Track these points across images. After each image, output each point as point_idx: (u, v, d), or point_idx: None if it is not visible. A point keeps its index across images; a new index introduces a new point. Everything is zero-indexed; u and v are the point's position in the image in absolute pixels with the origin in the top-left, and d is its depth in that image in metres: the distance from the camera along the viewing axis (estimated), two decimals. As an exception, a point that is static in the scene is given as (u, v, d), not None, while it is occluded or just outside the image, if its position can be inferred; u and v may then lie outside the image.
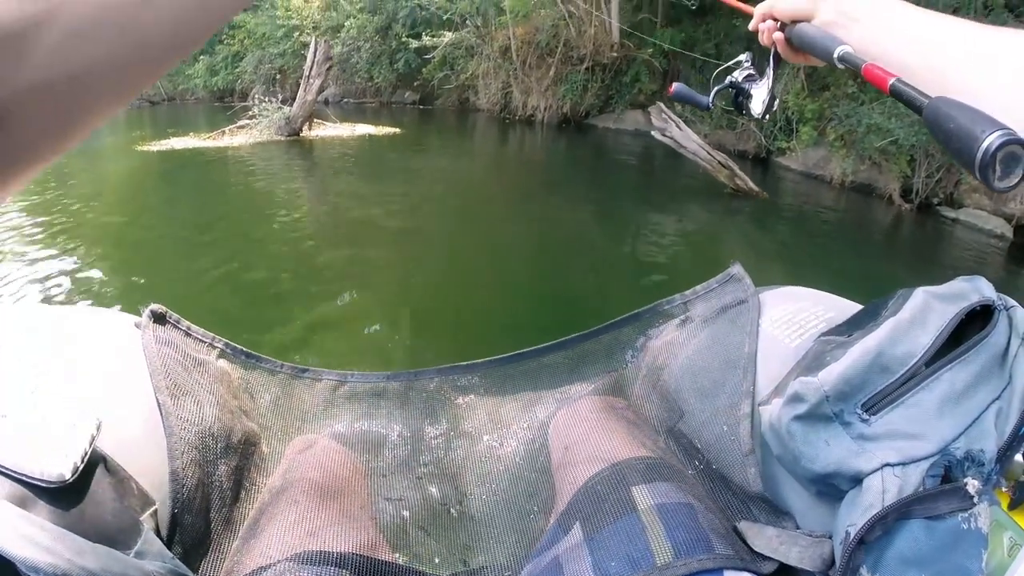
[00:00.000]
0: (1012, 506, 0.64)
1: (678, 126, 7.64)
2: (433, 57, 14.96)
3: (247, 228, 6.57)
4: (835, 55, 0.73)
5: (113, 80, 0.38)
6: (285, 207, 7.33)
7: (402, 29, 16.09)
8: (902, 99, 0.62)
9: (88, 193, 7.82)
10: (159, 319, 0.91)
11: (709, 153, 7.51)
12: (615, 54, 12.19)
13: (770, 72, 0.93)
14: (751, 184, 7.47)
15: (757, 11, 0.90)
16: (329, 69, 11.78)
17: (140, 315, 0.91)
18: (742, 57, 0.98)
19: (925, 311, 0.69)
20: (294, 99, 12.15)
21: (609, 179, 9.10)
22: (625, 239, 6.22)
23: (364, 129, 12.88)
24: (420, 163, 10.16)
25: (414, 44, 14.80)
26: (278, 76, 18.77)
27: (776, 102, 0.95)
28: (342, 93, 18.18)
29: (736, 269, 1.04)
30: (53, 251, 5.61)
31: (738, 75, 0.97)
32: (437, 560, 0.93)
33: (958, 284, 0.72)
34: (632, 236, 6.32)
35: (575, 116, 13.32)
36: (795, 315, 0.90)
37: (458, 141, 13.20)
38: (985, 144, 0.50)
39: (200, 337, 0.98)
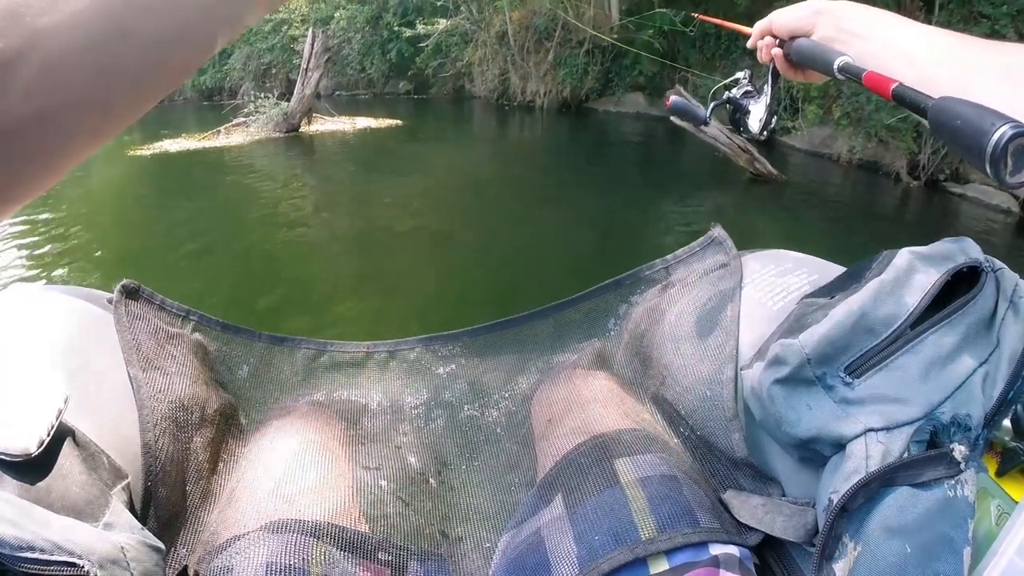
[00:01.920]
0: (1000, 473, 0.62)
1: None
2: (427, 46, 14.85)
3: (251, 234, 6.37)
4: (835, 66, 0.72)
5: (89, 119, 0.36)
6: (291, 209, 7.13)
7: (393, 18, 15.94)
8: (904, 103, 0.60)
9: (79, 202, 7.60)
10: (132, 294, 0.90)
11: (729, 137, 7.43)
12: (615, 36, 12.11)
13: (768, 89, 0.92)
14: (770, 168, 7.40)
15: (756, 28, 0.90)
16: (327, 61, 11.60)
17: (113, 291, 0.90)
18: (739, 74, 0.97)
19: (910, 272, 0.67)
20: (287, 94, 11.97)
21: (622, 165, 9.00)
22: (653, 226, 6.12)
23: (364, 122, 12.71)
24: (426, 155, 10.01)
25: (407, 33, 14.66)
26: (273, 71, 18.67)
27: (775, 119, 0.94)
28: (334, 86, 17.98)
29: (717, 232, 1.02)
30: (43, 263, 5.50)
31: (736, 92, 0.96)
32: (415, 530, 0.91)
33: (944, 245, 0.70)
34: (658, 223, 6.23)
35: (575, 100, 13.24)
36: (778, 278, 0.88)
37: (461, 130, 13.10)
38: (995, 137, 0.48)
39: (174, 310, 0.97)
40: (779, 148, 9.42)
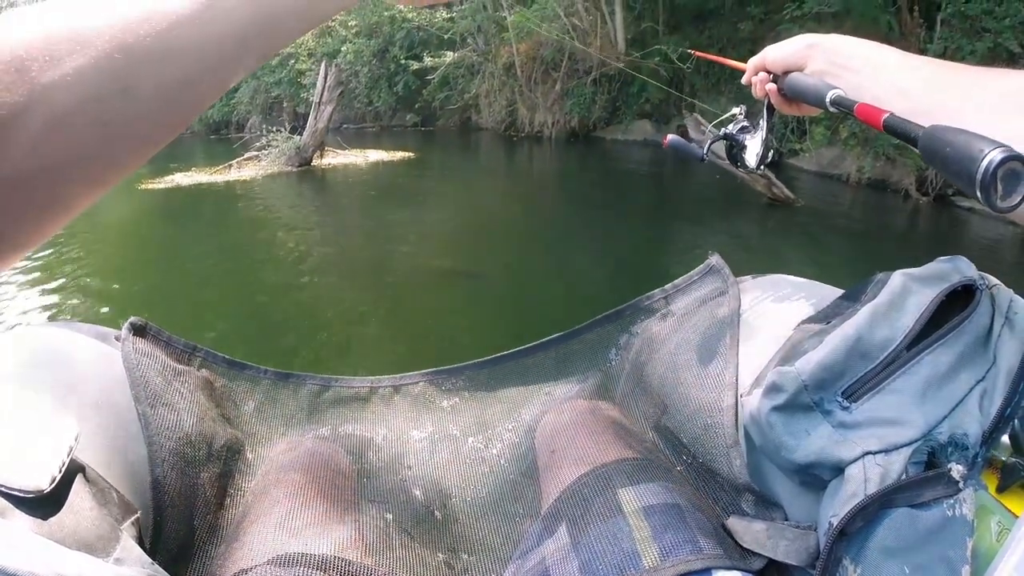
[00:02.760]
0: (1000, 489, 0.62)
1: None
2: (434, 78, 14.98)
3: (264, 270, 6.21)
4: (827, 99, 0.73)
5: (93, 170, 0.38)
6: (306, 245, 6.92)
7: (400, 51, 16.13)
8: (896, 133, 0.61)
9: (91, 237, 7.52)
10: (139, 331, 0.92)
11: None
12: (621, 65, 12.23)
13: (763, 124, 0.93)
14: (787, 192, 7.37)
15: (750, 64, 0.91)
16: (341, 94, 11.56)
17: (120, 328, 0.91)
18: (735, 110, 0.98)
19: (904, 294, 0.68)
20: (299, 128, 11.93)
21: (637, 194, 8.92)
22: (677, 255, 6.02)
23: (376, 155, 12.67)
24: (441, 188, 9.94)
25: (414, 66, 14.84)
26: (284, 103, 18.83)
27: (771, 153, 0.95)
28: (341, 119, 17.96)
29: (715, 260, 1.04)
30: (53, 297, 5.42)
31: (732, 128, 0.98)
32: (421, 562, 0.91)
33: (938, 265, 0.70)
34: (681, 252, 6.13)
35: (583, 130, 13.32)
36: (776, 303, 0.89)
37: (473, 162, 13.12)
38: (985, 162, 0.49)
39: (181, 347, 0.98)
40: (787, 171, 9.42)
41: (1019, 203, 0.50)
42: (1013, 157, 0.48)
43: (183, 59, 0.39)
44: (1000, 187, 0.49)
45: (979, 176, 0.49)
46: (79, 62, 0.35)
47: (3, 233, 0.35)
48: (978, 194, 0.50)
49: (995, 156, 0.48)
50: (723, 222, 7.27)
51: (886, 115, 0.63)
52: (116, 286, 5.92)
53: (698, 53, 1.40)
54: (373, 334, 4.65)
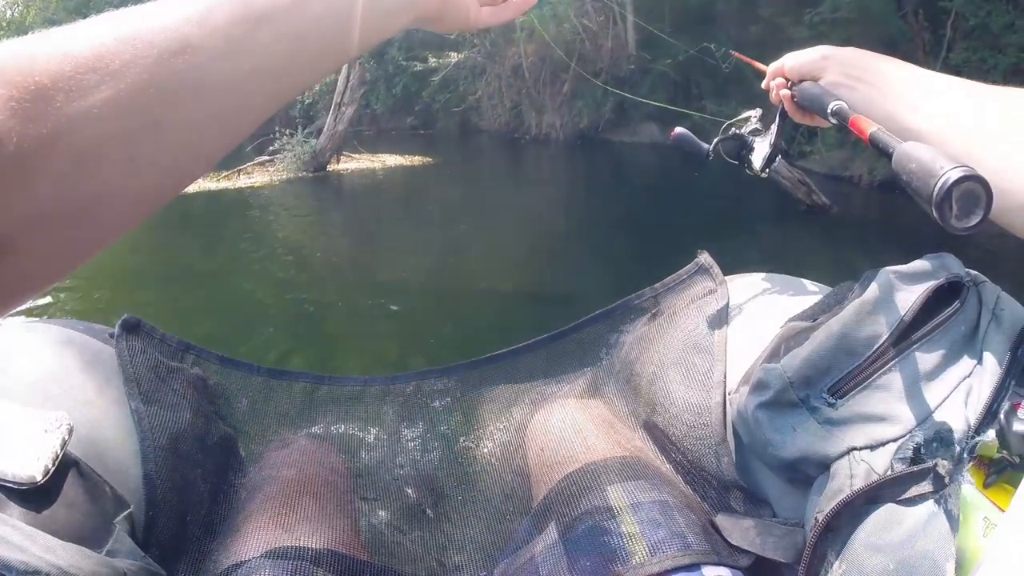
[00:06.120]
0: (987, 484, 0.61)
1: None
2: (435, 80, 14.83)
3: (286, 291, 5.67)
4: (828, 109, 0.73)
5: (117, 208, 0.36)
6: (334, 264, 6.39)
7: (398, 52, 15.88)
8: (878, 148, 0.61)
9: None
10: (132, 328, 0.92)
11: (789, 170, 7.34)
12: (632, 66, 12.19)
13: (774, 128, 0.93)
14: (824, 199, 7.31)
15: (770, 69, 0.92)
16: (363, 95, 11.03)
17: (114, 326, 0.92)
18: (750, 113, 0.98)
19: (890, 291, 0.68)
20: (311, 133, 11.47)
21: (670, 202, 8.58)
22: (728, 271, 5.69)
23: (394, 160, 12.15)
24: (472, 195, 9.48)
25: (417, 67, 14.62)
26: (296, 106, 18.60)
27: (778, 158, 0.94)
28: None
29: (704, 258, 1.04)
30: (48, 297, 5.11)
31: (743, 129, 0.98)
32: (412, 560, 0.92)
33: (924, 262, 0.71)
34: (738, 267, 5.78)
35: (591, 132, 13.27)
36: (764, 302, 0.89)
37: (492, 166, 12.87)
38: (942, 179, 0.48)
39: (174, 345, 0.99)
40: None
41: (974, 226, 0.49)
42: (971, 178, 0.48)
43: (217, 95, 0.38)
44: (955, 207, 0.48)
45: (935, 192, 0.48)
46: (107, 94, 0.33)
47: (25, 272, 0.33)
48: (933, 212, 0.49)
49: (952, 175, 0.48)
50: (768, 231, 7.06)
51: (872, 129, 0.62)
52: (115, 297, 5.57)
53: (736, 54, 1.41)
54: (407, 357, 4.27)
